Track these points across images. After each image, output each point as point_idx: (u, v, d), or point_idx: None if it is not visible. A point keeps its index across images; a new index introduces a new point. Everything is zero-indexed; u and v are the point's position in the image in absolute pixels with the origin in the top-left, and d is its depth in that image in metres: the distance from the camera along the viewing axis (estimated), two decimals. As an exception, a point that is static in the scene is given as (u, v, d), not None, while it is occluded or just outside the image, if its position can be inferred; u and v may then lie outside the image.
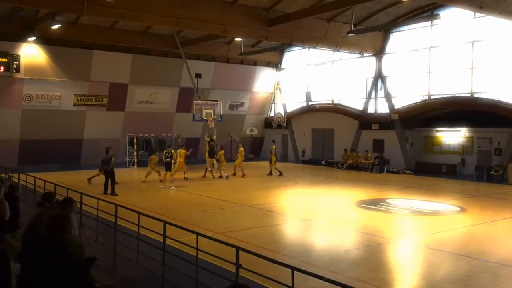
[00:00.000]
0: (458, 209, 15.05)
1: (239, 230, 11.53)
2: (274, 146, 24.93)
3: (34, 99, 26.14)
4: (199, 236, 7.09)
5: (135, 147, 28.46)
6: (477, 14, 22.01)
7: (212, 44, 28.07)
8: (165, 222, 7.73)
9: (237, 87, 33.06)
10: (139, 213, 8.59)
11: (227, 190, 18.27)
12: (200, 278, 6.83)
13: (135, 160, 28.12)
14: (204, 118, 26.14)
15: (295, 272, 5.39)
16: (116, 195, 16.50)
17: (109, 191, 16.86)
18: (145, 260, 8.13)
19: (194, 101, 26.39)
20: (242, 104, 34.25)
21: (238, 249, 6.22)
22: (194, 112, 26.27)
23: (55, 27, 21.70)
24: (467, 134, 24.54)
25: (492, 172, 22.17)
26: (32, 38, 24.36)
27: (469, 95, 23.80)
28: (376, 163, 26.32)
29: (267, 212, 14.41)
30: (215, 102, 27.21)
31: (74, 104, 27.56)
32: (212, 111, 26.30)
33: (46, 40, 25.08)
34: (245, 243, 9.50)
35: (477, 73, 23.66)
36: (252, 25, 22.51)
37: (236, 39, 27.55)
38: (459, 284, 8.06)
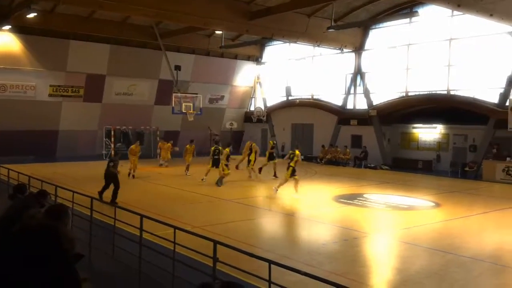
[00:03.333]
0: (433, 204, 15.33)
1: (218, 224, 11.51)
2: (253, 144, 22.46)
3: (8, 89, 25.52)
4: (177, 230, 7.05)
5: (112, 139, 28.08)
6: (455, 12, 22.33)
7: (192, 36, 27.82)
8: (142, 216, 7.65)
9: (217, 80, 32.90)
10: (115, 206, 8.49)
11: (207, 185, 18.20)
12: (177, 272, 6.79)
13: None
14: (183, 111, 25.96)
15: (272, 265, 5.41)
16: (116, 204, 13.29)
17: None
18: (121, 254, 8.04)
19: (174, 94, 26.17)
20: (222, 97, 34.13)
21: (215, 243, 6.21)
22: (173, 105, 26.06)
23: (31, 15, 21.20)
24: (443, 131, 24.98)
25: (467, 169, 22.62)
26: (7, 27, 23.74)
27: (445, 92, 24.21)
28: (362, 156, 26.67)
29: (246, 207, 14.43)
30: (195, 95, 27.03)
31: (50, 95, 27.02)
32: (191, 104, 26.15)
33: (21, 29, 24.48)
34: (224, 237, 9.48)
35: (453, 71, 24.07)
36: (233, 18, 22.39)
37: (217, 32, 27.37)
38: (433, 278, 8.21)
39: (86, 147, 28.43)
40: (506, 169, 20.76)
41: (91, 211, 8.87)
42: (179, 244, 7.00)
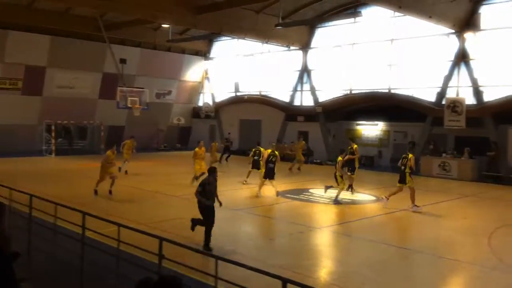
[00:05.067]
0: (375, 198, 15.92)
1: (164, 221, 11.37)
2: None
3: None
4: (122, 228, 6.89)
5: (53, 134, 26.94)
6: (396, 13, 23.20)
7: (138, 29, 27.16)
8: (84, 213, 7.42)
9: (164, 75, 32.38)
10: (56, 203, 8.18)
11: (157, 181, 17.88)
12: (122, 269, 6.65)
13: (53, 148, 26.65)
14: (128, 105, 25.34)
15: (219, 261, 5.43)
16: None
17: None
18: (63, 253, 7.76)
19: (119, 88, 25.49)
20: (169, 92, 33.63)
21: (161, 239, 6.13)
22: (118, 99, 25.37)
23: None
24: (384, 128, 25.97)
25: (406, 164, 23.62)
26: None
27: (387, 90, 25.15)
28: (304, 153, 27.10)
29: (193, 203, 14.31)
30: (141, 89, 26.47)
31: (-15, 87, 25.54)
32: (137, 98, 25.57)
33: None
34: (171, 233, 9.39)
35: (394, 70, 25.04)
36: (181, 12, 22.11)
37: (164, 26, 26.91)
38: (374, 269, 8.54)
39: (25, 142, 27.10)
40: (442, 164, 21.91)
41: (30, 209, 8.49)
42: (123, 242, 6.85)
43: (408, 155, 13.98)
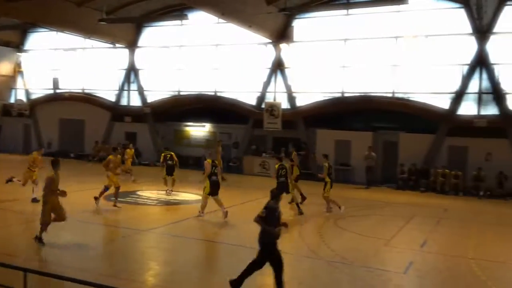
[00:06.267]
0: (200, 198, 16.46)
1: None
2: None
3: None
4: None
5: None
6: (221, 20, 24.26)
7: None
8: None
9: (-35, 66, 28.23)
10: None
11: None
12: None
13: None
14: None
15: (30, 274, 5.07)
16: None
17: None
18: None
19: None
20: (-28, 87, 29.44)
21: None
22: None
23: None
24: (211, 129, 26.98)
25: (231, 164, 24.99)
26: None
27: (213, 93, 26.17)
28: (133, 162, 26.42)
29: (7, 212, 12.84)
30: None
31: None
32: None
33: None
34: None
35: (220, 74, 26.19)
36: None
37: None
38: (201, 266, 8.91)
39: None
40: (262, 163, 23.75)
41: None
42: None
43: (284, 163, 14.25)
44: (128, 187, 17.92)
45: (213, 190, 12.70)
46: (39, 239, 9.45)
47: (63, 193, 9.63)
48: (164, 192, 16.78)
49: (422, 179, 20.55)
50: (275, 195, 7.53)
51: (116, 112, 28.43)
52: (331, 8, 23.15)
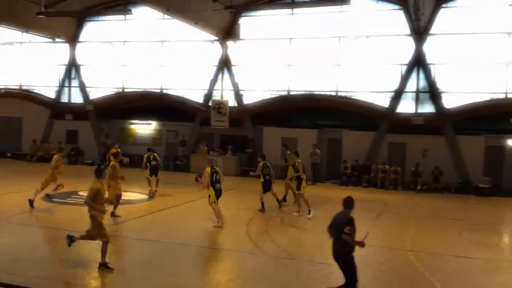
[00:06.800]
0: (146, 197, 16.21)
1: None
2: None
3: None
4: None
5: None
6: (166, 16, 23.89)
7: None
8: None
9: None
10: None
11: None
12: None
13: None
14: None
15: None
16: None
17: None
18: None
19: None
20: None
21: None
22: None
23: None
24: (157, 127, 26.54)
25: (178, 162, 24.71)
26: None
27: (159, 90, 25.75)
28: (73, 153, 25.53)
29: None
30: None
31: None
32: None
33: None
34: None
35: (166, 71, 25.81)
36: None
37: None
38: (145, 266, 8.76)
39: None
40: (210, 161, 23.57)
41: None
42: None
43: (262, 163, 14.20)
44: (69, 188, 17.29)
45: (218, 197, 12.11)
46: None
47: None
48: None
49: (364, 175, 21.27)
50: (351, 204, 7.18)
51: (56, 109, 27.35)
52: (276, 7, 23.43)
